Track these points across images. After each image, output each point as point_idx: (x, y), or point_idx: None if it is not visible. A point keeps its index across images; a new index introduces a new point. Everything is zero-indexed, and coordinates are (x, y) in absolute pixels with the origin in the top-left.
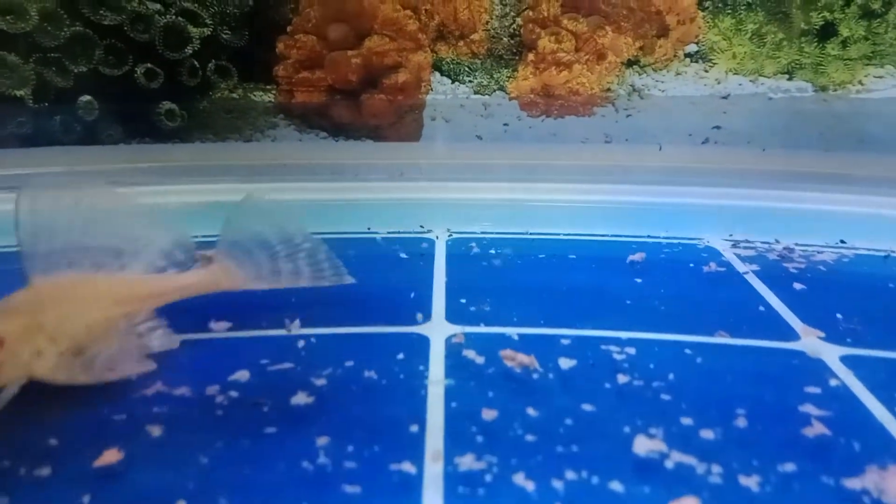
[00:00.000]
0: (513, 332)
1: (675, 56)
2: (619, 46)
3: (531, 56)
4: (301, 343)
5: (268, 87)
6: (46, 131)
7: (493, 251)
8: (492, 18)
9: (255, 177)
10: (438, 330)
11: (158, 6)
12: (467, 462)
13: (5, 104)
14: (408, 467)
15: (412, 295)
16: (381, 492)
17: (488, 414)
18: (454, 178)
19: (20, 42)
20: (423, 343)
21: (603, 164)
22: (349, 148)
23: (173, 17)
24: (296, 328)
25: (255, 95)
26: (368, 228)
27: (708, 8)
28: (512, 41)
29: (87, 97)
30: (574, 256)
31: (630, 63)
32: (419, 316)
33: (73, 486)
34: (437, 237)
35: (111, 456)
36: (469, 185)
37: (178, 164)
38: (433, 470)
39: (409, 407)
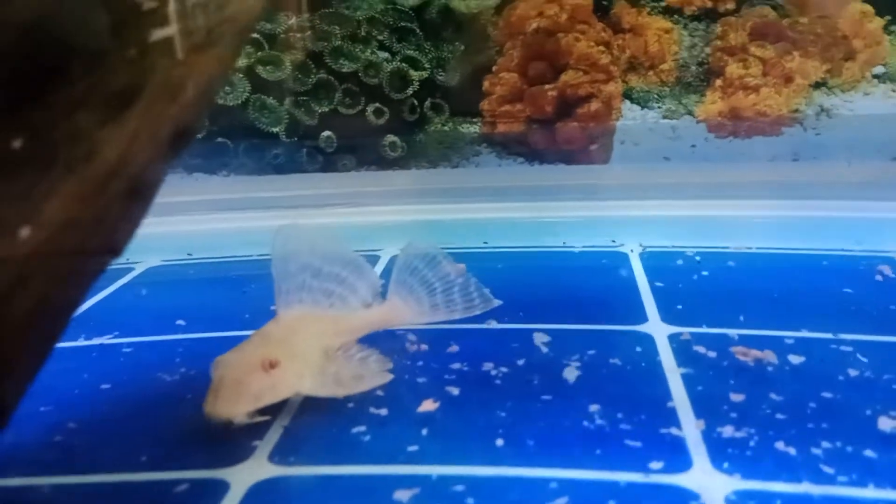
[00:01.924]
0: (734, 332)
1: (862, 77)
2: (807, 70)
3: (719, 82)
4: (541, 334)
5: (474, 119)
6: (295, 161)
7: (689, 263)
8: (680, 49)
9: (461, 199)
10: (658, 329)
11: (387, 55)
12: (728, 431)
13: (264, 139)
14: (675, 431)
15: (621, 300)
16: (658, 448)
17: (736, 397)
18: (643, 197)
19: (277, 88)
20: (648, 340)
21: (791, 181)
22: (544, 171)
23: (398, 63)
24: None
25: (462, 128)
26: (564, 243)
27: (894, 32)
28: (700, 69)
29: (327, 132)
30: (771, 268)
31: (818, 85)
32: (636, 317)
33: (408, 424)
34: (632, 251)
35: (429, 405)
36: (657, 202)
37: (399, 188)
38: (699, 436)
39: (657, 388)
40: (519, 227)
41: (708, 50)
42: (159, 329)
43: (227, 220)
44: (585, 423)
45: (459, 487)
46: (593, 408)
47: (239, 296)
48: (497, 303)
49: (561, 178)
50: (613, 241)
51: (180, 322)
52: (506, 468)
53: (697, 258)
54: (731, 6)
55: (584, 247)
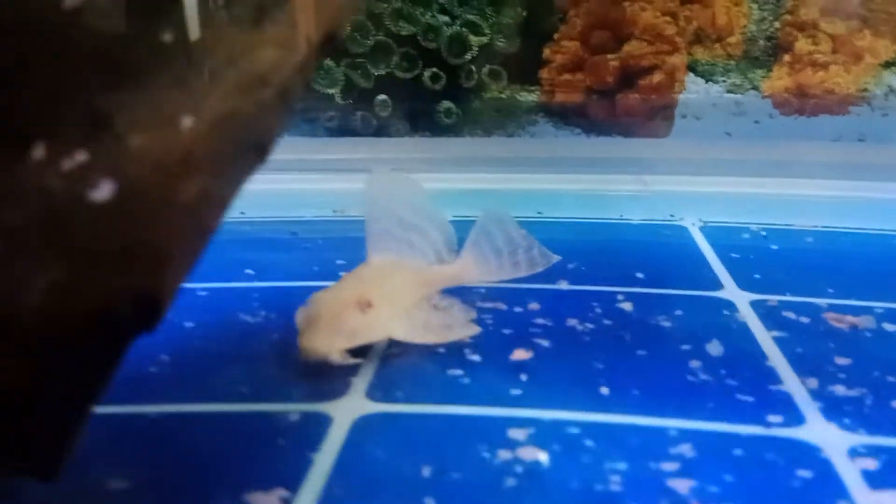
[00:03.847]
0: (822, 301)
1: None
2: (877, 49)
3: (787, 57)
4: (620, 297)
5: (532, 88)
6: (349, 124)
7: (756, 238)
8: (749, 22)
9: (515, 168)
10: (738, 296)
11: (447, 18)
12: (840, 390)
13: (320, 100)
14: (782, 388)
15: (691, 269)
16: (770, 404)
17: (840, 360)
18: (702, 173)
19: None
20: (730, 305)
21: (855, 162)
22: (602, 143)
23: (458, 27)
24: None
25: (520, 96)
26: (621, 216)
27: None
28: (768, 43)
29: (383, 96)
30: (844, 244)
31: (888, 64)
32: (710, 284)
33: (504, 370)
34: (692, 224)
35: (522, 354)
36: (717, 178)
37: (451, 155)
38: (806, 394)
39: (752, 348)
40: (574, 198)
41: (777, 24)
42: (230, 277)
43: (280, 180)
44: (689, 377)
45: (574, 430)
46: (694, 364)
47: (300, 253)
48: (556, 258)
49: (619, 151)
50: (672, 216)
51: (249, 272)
52: (617, 415)
53: (763, 233)
54: None
55: (641, 220)
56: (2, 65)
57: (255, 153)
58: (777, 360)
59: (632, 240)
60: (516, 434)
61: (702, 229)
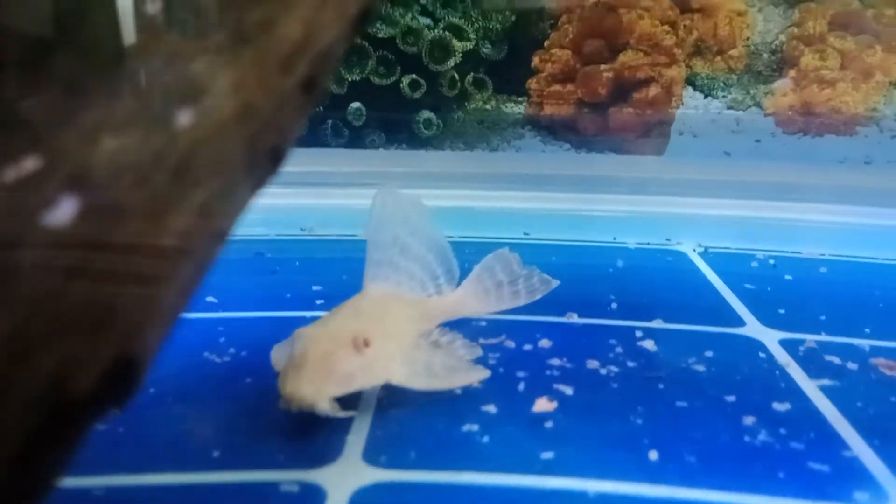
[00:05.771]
0: (863, 343)
1: None
2: (889, 66)
3: (792, 72)
4: (639, 333)
5: (519, 99)
6: (318, 134)
7: (765, 267)
8: (753, 35)
9: (500, 185)
10: (765, 334)
11: (428, 21)
12: None
13: None
14: (856, 454)
15: (704, 301)
16: (848, 475)
17: None
18: (698, 194)
19: None
20: (759, 346)
21: (860, 186)
22: (592, 160)
23: (441, 31)
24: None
25: (506, 107)
26: (614, 238)
27: None
28: (773, 57)
29: (356, 104)
30: (861, 276)
31: None
32: (729, 320)
33: (528, 425)
34: (693, 250)
35: (545, 404)
36: (715, 201)
37: (430, 169)
38: (883, 461)
39: (806, 402)
40: (563, 218)
41: (783, 37)
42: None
43: None
44: (747, 438)
45: None
46: (748, 420)
47: (268, 276)
48: (555, 283)
49: (610, 169)
50: (668, 240)
51: (211, 299)
52: (677, 489)
53: (772, 262)
54: None
55: (637, 243)
56: None
57: (269, 161)
58: (837, 417)
59: (631, 266)
60: None
61: (702, 255)
